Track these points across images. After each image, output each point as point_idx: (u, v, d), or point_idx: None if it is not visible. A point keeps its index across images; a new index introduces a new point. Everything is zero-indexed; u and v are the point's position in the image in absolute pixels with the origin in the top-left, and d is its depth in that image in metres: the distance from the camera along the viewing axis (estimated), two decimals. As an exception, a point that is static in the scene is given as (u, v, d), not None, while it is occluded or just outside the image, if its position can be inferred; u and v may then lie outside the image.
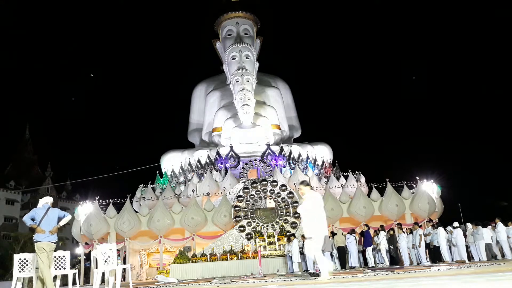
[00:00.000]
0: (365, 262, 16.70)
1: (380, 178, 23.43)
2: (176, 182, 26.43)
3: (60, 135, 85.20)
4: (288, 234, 18.33)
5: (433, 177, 23.15)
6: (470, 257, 15.78)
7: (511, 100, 62.94)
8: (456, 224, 16.03)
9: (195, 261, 18.48)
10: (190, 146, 32.21)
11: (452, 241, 15.59)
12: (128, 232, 20.68)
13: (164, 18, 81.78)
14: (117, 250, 11.09)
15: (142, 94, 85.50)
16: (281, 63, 76.65)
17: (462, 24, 67.76)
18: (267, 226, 20.58)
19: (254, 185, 21.84)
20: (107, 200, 21.82)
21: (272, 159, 25.82)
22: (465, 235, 15.80)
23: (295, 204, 20.70)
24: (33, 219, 7.60)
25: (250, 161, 26.15)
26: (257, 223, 20.72)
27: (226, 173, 25.15)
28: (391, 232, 16.85)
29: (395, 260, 16.08)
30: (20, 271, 8.13)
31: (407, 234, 16.50)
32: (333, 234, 17.56)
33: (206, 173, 25.16)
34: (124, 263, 19.51)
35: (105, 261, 8.15)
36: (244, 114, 27.42)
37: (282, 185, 21.82)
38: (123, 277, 14.36)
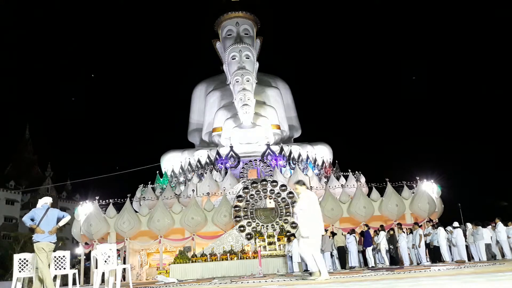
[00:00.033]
0: (365, 262, 16.70)
1: (380, 178, 23.46)
2: (176, 182, 26.43)
3: (60, 135, 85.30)
4: (288, 234, 18.33)
5: (433, 177, 23.17)
6: (470, 257, 15.78)
7: (511, 100, 62.94)
8: (456, 224, 16.02)
9: (195, 261, 18.48)
10: (190, 146, 32.21)
11: (452, 241, 15.59)
12: (128, 232, 20.68)
13: (164, 18, 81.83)
14: (117, 250, 11.09)
15: (142, 94, 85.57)
16: (281, 63, 76.72)
17: (462, 24, 67.80)
18: (267, 226, 20.58)
19: (254, 185, 21.84)
20: (107, 200, 21.83)
21: (272, 159, 25.83)
22: (465, 235, 15.80)
23: (295, 204, 20.67)
24: (32, 219, 7.60)
25: (250, 161, 26.15)
26: (257, 223, 20.72)
27: (226, 173, 25.15)
28: (391, 232, 16.85)
29: (395, 260, 16.08)
30: (20, 271, 8.12)
31: (407, 234, 16.50)
32: (333, 234, 17.56)
33: (206, 173, 25.17)
34: (124, 263, 19.51)
35: (105, 261, 8.15)
36: (244, 114, 27.42)
37: (282, 185, 21.83)
38: (123, 277, 14.36)
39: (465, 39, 69.51)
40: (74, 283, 9.08)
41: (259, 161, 25.76)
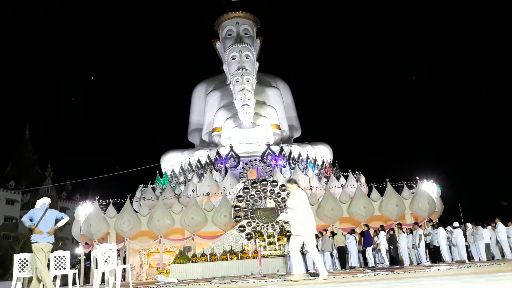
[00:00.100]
0: (365, 262, 16.70)
1: (380, 178, 23.46)
2: (176, 182, 26.44)
3: (60, 135, 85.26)
4: (288, 234, 18.31)
5: (433, 177, 23.18)
6: (470, 257, 15.78)
7: (511, 100, 62.95)
8: (456, 224, 16.02)
9: (195, 261, 18.49)
10: (190, 146, 32.22)
11: (452, 241, 15.59)
12: (128, 232, 20.68)
13: (164, 18, 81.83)
14: (117, 250, 11.08)
15: (142, 94, 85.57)
16: (281, 63, 76.71)
17: (462, 24, 67.81)
18: (267, 226, 20.58)
19: (254, 185, 21.84)
20: (107, 200, 21.83)
21: (272, 159, 25.83)
22: (465, 235, 15.80)
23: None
24: (31, 220, 7.61)
25: (250, 161, 26.15)
26: (257, 223, 20.72)
27: (226, 173, 25.16)
28: (391, 232, 16.84)
29: (395, 260, 16.08)
30: (20, 271, 8.13)
31: (407, 234, 16.49)
32: (333, 234, 17.56)
33: (206, 173, 25.17)
34: (124, 263, 19.51)
35: (105, 261, 8.15)
36: (244, 114, 27.43)
37: (282, 185, 21.82)
38: (123, 277, 14.36)
39: (465, 39, 69.57)
40: (74, 283, 9.08)
41: (259, 161, 25.77)
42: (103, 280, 8.71)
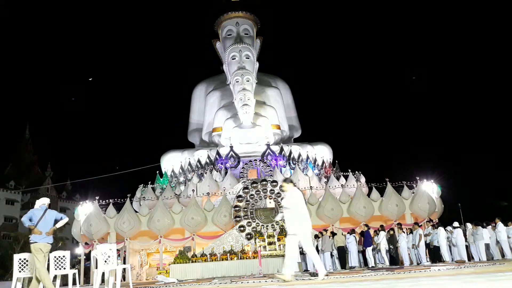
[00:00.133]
0: (365, 262, 16.69)
1: (380, 178, 23.47)
2: (176, 182, 26.44)
3: (60, 135, 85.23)
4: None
5: (433, 177, 23.19)
6: (470, 257, 15.78)
7: (511, 100, 62.95)
8: (456, 224, 16.01)
9: (195, 261, 18.49)
10: (190, 146, 32.23)
11: (452, 241, 15.59)
12: (128, 232, 20.68)
13: (164, 18, 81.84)
14: (117, 250, 11.09)
15: (142, 94, 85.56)
16: (281, 63, 76.68)
17: (462, 24, 67.81)
18: (267, 226, 20.57)
19: (254, 185, 21.84)
20: (107, 200, 21.84)
21: (272, 159, 25.84)
22: (465, 235, 15.79)
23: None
24: (30, 220, 7.61)
25: (250, 161, 26.16)
26: (257, 223, 20.73)
27: (226, 173, 25.17)
28: (391, 232, 16.84)
29: (395, 260, 16.07)
30: (20, 271, 8.13)
31: (407, 234, 16.49)
32: (333, 234, 17.56)
33: (206, 173, 25.17)
34: (124, 263, 19.51)
35: (105, 261, 8.15)
36: (244, 114, 27.43)
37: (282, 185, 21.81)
38: (123, 277, 14.36)
39: (465, 39, 69.57)
40: (74, 283, 9.08)
41: (259, 161, 25.77)
42: (103, 280, 8.71)
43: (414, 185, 22.63)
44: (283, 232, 19.87)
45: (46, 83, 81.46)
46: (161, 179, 26.50)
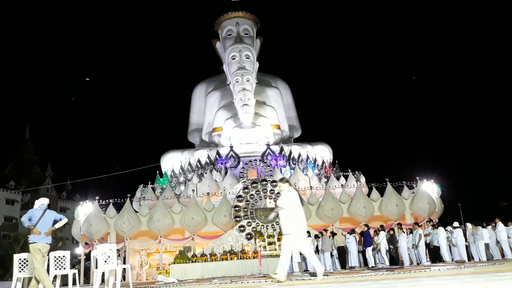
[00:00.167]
0: (365, 262, 16.68)
1: (380, 178, 23.48)
2: (176, 182, 26.44)
3: (60, 135, 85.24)
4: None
5: (433, 177, 23.19)
6: (470, 257, 15.77)
7: (511, 100, 62.96)
8: (456, 224, 16.00)
9: (195, 261, 18.49)
10: (190, 146, 32.23)
11: (452, 241, 15.58)
12: (128, 232, 20.68)
13: (164, 18, 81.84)
14: (117, 250, 11.09)
15: (142, 94, 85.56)
16: (281, 63, 76.69)
17: (462, 24, 67.82)
18: (267, 226, 20.58)
19: (254, 185, 21.85)
20: (107, 200, 21.85)
21: (272, 159, 25.84)
22: (465, 235, 15.79)
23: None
24: (30, 220, 7.62)
25: (250, 161, 26.16)
26: (257, 223, 20.73)
27: (226, 173, 25.17)
28: (391, 232, 16.83)
29: (395, 260, 16.07)
30: (20, 271, 8.13)
31: (407, 234, 16.48)
32: (333, 234, 17.55)
33: (206, 173, 25.18)
34: (124, 263, 19.51)
35: (105, 261, 8.15)
36: (244, 114, 27.44)
37: (282, 185, 21.81)
38: (123, 277, 14.36)
39: (465, 39, 69.58)
40: (74, 283, 9.08)
41: (259, 161, 25.78)
42: (103, 280, 8.71)
43: (414, 185, 22.64)
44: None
45: (46, 83, 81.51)
46: (161, 179, 26.51)
